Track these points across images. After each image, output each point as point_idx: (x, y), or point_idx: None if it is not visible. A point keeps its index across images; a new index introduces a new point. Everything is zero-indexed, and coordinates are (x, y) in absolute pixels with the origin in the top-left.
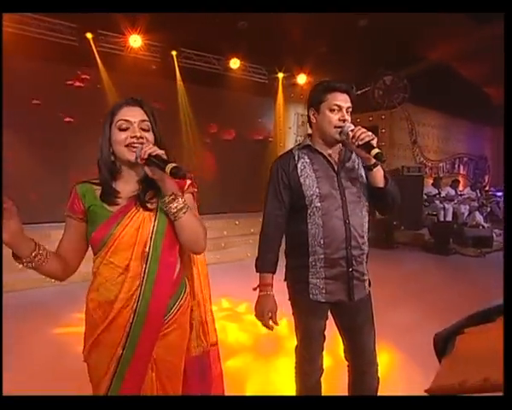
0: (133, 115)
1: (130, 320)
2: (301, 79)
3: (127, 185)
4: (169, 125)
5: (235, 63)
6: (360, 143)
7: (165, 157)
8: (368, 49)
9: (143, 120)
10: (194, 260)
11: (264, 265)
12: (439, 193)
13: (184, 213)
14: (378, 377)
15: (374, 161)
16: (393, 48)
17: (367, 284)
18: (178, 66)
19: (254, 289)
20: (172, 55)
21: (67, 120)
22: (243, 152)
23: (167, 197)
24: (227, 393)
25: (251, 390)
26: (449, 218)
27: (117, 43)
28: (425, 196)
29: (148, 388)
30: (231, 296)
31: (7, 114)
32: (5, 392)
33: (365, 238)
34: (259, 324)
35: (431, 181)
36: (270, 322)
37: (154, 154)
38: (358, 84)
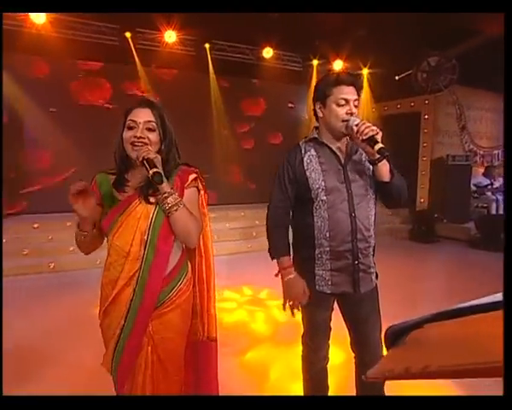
0: (140, 116)
1: (131, 297)
2: (337, 65)
3: (136, 177)
4: (201, 117)
5: (268, 52)
6: (364, 137)
7: (155, 161)
8: (410, 27)
9: (149, 121)
10: (201, 251)
11: (277, 250)
12: (492, 183)
13: (176, 210)
14: None
15: (378, 155)
16: (440, 24)
17: (373, 276)
18: (212, 58)
19: (276, 275)
20: (206, 48)
21: (106, 106)
22: (275, 141)
23: (161, 195)
24: (249, 376)
25: (273, 375)
26: (502, 211)
27: (153, 40)
28: (474, 188)
29: (143, 359)
30: (255, 284)
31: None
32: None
33: (371, 231)
34: (280, 310)
35: (482, 170)
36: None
37: (146, 157)
38: (400, 67)
